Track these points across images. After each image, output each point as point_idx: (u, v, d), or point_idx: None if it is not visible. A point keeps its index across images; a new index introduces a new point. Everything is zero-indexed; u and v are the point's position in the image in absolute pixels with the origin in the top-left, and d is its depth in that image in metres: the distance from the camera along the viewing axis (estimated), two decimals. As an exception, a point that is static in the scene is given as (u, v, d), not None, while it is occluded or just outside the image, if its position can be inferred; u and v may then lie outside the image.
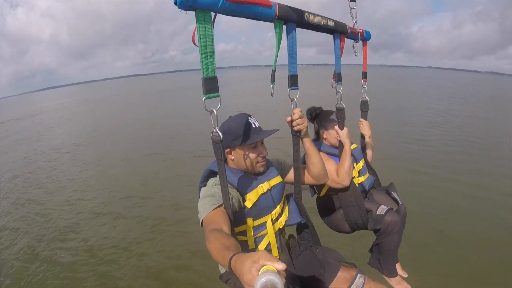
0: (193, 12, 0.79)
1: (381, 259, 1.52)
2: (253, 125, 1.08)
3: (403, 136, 7.75)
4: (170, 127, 10.32)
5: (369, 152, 1.74)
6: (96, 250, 3.50)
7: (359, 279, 1.12)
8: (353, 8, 1.47)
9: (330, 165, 1.43)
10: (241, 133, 1.06)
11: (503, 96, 19.24)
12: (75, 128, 12.51)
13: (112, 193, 5.21)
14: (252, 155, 1.08)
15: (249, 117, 1.10)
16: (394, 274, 1.53)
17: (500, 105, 14.29)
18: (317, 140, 1.66)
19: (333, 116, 1.57)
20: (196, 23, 0.80)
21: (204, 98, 0.83)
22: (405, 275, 1.57)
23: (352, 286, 1.11)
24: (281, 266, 0.53)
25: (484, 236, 3.16)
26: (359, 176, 1.59)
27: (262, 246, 1.09)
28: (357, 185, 1.53)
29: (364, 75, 1.67)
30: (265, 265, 0.54)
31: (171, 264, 3.16)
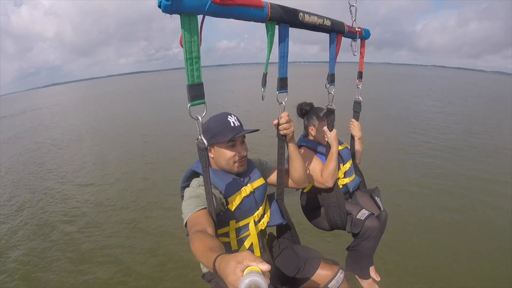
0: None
1: (356, 260, 1.55)
2: (232, 124, 1.08)
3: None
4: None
5: (357, 154, 1.74)
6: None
7: (340, 274, 1.16)
8: (353, 5, 1.41)
9: (316, 164, 1.44)
10: (219, 131, 1.06)
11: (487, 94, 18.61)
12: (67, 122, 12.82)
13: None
14: (229, 154, 1.07)
15: (229, 116, 1.10)
16: (366, 276, 1.57)
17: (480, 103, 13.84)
18: (306, 136, 1.64)
19: (324, 114, 1.55)
20: (181, 28, 0.77)
21: (189, 105, 0.82)
22: (378, 279, 1.61)
23: (333, 280, 1.14)
24: (265, 267, 0.53)
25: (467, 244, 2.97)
26: (345, 177, 1.60)
27: (244, 247, 1.10)
28: (341, 186, 1.54)
29: (360, 75, 1.63)
30: (249, 266, 0.54)
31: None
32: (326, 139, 1.47)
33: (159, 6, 0.73)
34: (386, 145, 6.22)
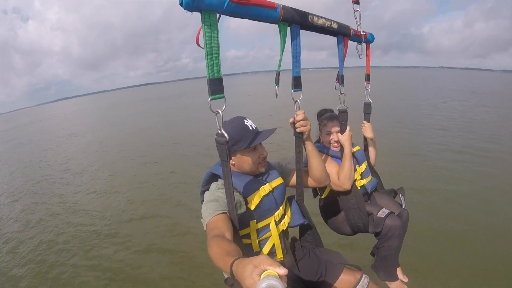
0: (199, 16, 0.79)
1: (382, 262, 1.50)
2: (250, 127, 1.08)
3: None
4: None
5: (372, 155, 1.73)
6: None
7: (364, 279, 1.14)
8: (357, 10, 1.48)
9: (332, 167, 1.43)
10: (240, 137, 1.05)
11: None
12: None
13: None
14: (253, 158, 1.08)
15: (244, 120, 1.10)
16: (394, 278, 1.51)
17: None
18: (319, 141, 1.65)
19: (326, 117, 1.57)
20: (202, 24, 0.80)
21: (209, 99, 0.83)
22: (406, 280, 1.55)
23: (358, 286, 1.12)
24: (282, 271, 0.53)
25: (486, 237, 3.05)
26: (361, 178, 1.59)
27: (266, 248, 1.08)
28: (359, 188, 1.52)
29: (367, 77, 1.66)
30: (266, 270, 0.54)
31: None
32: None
33: (181, 4, 0.76)
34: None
